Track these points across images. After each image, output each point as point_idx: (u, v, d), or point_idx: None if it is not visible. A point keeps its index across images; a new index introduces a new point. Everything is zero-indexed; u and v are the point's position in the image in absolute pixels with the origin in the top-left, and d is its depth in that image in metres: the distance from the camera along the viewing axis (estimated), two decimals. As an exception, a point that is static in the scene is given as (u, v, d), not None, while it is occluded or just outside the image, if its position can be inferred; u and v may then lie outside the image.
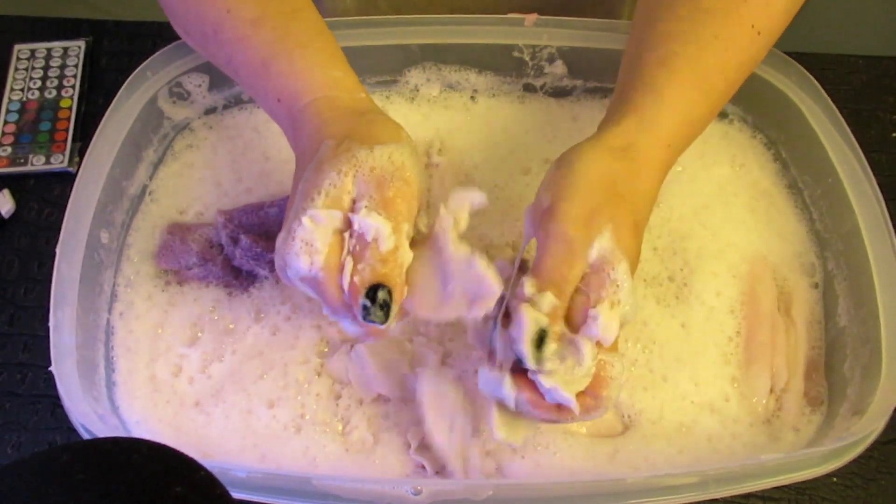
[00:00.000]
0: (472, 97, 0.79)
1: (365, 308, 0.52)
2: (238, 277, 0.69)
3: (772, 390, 0.66)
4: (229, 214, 0.70)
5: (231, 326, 0.68)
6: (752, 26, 0.59)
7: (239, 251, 0.68)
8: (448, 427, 0.60)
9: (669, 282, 0.70)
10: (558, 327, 0.53)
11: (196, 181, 0.75)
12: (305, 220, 0.52)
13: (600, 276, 0.52)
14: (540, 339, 0.52)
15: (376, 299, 0.52)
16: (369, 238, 0.52)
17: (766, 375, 0.66)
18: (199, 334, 0.68)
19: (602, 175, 0.55)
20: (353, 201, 0.54)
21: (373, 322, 0.52)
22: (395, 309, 0.52)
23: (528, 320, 0.51)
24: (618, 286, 0.52)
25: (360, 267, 0.52)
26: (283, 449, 0.63)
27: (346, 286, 0.52)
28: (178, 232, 0.71)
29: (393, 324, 0.53)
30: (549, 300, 0.52)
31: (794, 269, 0.71)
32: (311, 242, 0.52)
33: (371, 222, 0.52)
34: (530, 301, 0.52)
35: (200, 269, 0.69)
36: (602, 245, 0.52)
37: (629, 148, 0.56)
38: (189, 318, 0.68)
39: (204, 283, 0.69)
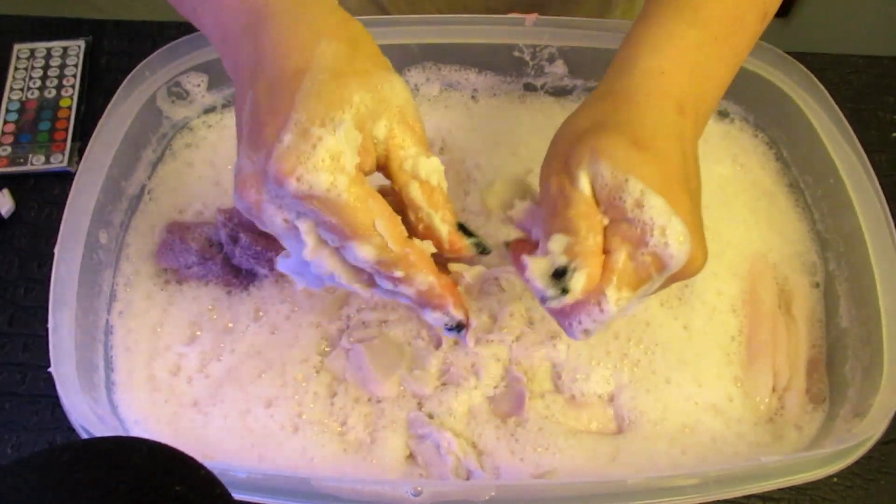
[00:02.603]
0: (472, 97, 0.79)
1: (479, 245, 0.52)
2: (238, 276, 0.69)
3: (774, 389, 0.66)
4: (229, 213, 0.69)
5: (230, 325, 0.68)
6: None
7: (239, 250, 0.68)
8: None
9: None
10: (591, 261, 0.48)
11: (195, 180, 0.75)
12: (342, 131, 0.45)
13: (615, 205, 0.48)
14: (558, 274, 0.49)
15: (473, 235, 0.52)
16: (434, 182, 0.50)
17: (769, 374, 0.66)
18: (198, 333, 0.68)
19: (578, 123, 0.52)
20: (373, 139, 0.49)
21: (485, 254, 0.52)
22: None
23: (533, 266, 0.50)
24: (641, 206, 0.47)
25: (441, 215, 0.50)
26: (281, 449, 0.63)
27: (445, 238, 0.51)
28: (177, 231, 0.71)
29: None
30: (558, 241, 0.49)
31: (795, 269, 0.71)
32: (338, 157, 0.45)
33: (434, 166, 0.50)
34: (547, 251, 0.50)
35: (200, 267, 0.69)
36: (594, 173, 0.48)
37: (611, 89, 0.54)
38: (188, 317, 0.68)
39: (203, 282, 0.69)
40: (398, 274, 0.48)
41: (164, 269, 0.70)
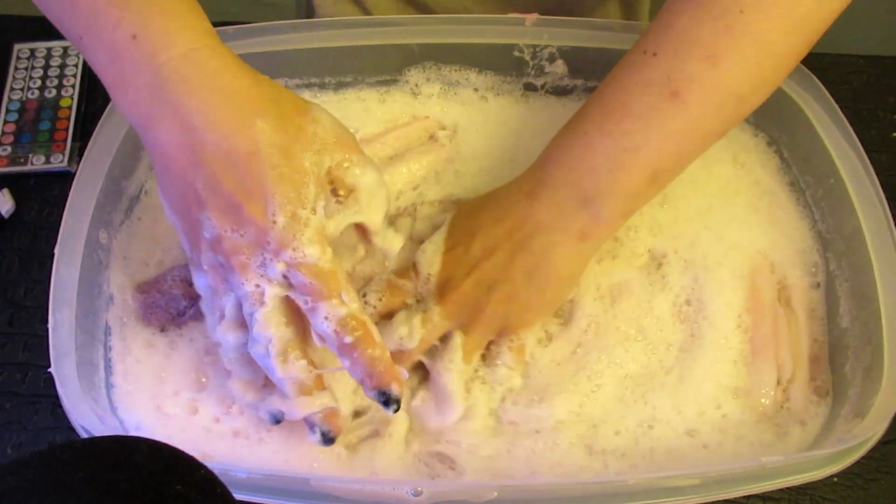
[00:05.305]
0: (472, 96, 0.79)
1: None
2: None
3: (778, 382, 0.65)
4: (144, 288, 0.67)
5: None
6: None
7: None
8: None
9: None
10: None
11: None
12: (320, 209, 0.53)
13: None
14: None
15: None
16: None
17: (772, 367, 0.65)
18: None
19: None
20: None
21: None
22: None
23: None
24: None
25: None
26: (281, 448, 0.63)
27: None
28: (150, 288, 0.67)
29: None
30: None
31: (796, 268, 0.71)
32: (321, 231, 0.53)
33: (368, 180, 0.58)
34: None
35: (194, 309, 0.66)
36: None
37: None
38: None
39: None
40: (349, 340, 0.53)
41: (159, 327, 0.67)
